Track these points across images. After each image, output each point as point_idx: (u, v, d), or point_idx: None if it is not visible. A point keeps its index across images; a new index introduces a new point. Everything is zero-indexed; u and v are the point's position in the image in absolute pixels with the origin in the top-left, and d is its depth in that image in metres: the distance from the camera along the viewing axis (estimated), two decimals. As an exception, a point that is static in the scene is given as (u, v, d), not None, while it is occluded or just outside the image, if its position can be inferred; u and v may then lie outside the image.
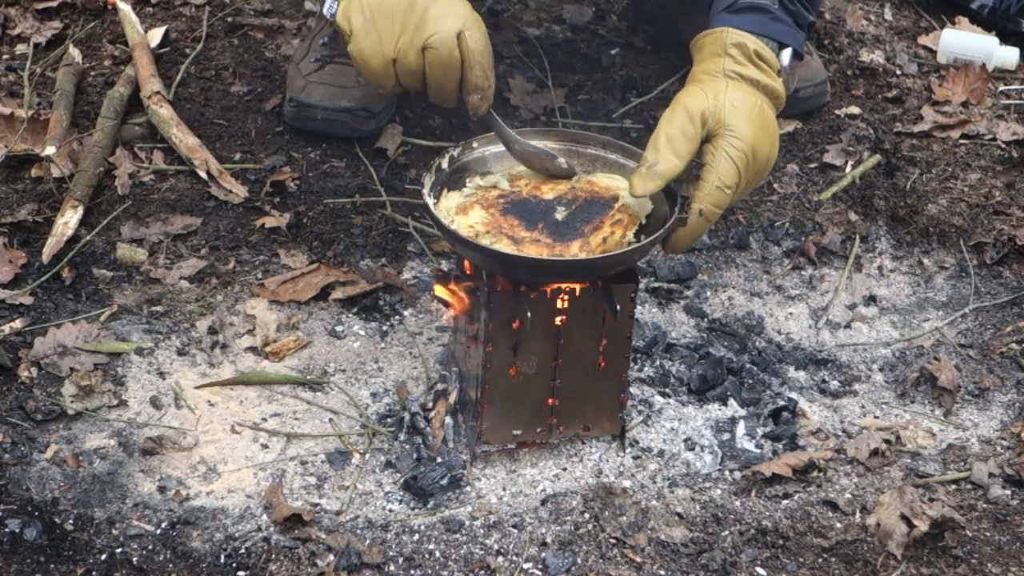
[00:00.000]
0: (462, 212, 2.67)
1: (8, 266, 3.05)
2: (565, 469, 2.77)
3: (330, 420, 2.85)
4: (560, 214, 2.67)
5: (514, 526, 2.64)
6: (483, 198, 2.70)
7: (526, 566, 2.56)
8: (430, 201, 2.66)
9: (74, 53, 3.58)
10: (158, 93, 3.41)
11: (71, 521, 2.59)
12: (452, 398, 2.81)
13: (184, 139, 3.33)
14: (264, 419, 2.85)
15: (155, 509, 2.64)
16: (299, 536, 2.58)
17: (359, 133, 3.40)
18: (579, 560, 2.57)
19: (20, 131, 3.34)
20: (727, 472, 2.78)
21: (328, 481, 2.73)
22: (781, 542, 2.63)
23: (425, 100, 3.45)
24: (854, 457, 2.81)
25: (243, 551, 2.56)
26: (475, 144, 2.78)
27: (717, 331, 3.08)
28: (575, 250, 2.59)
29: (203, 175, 3.27)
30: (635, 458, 2.80)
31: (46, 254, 3.05)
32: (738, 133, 2.57)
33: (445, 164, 2.75)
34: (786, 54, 2.71)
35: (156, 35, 3.65)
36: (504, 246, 2.58)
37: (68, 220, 3.10)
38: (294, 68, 3.42)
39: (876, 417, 2.93)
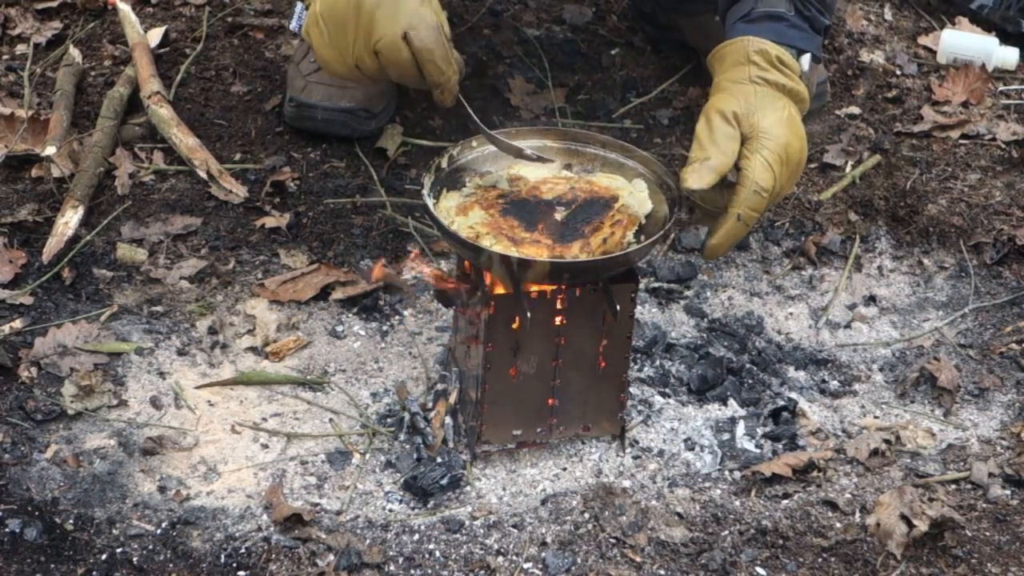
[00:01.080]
0: (462, 212, 2.67)
1: (8, 266, 3.05)
2: (565, 469, 2.77)
3: (330, 420, 2.85)
4: (560, 214, 2.67)
5: (514, 526, 2.64)
6: (483, 198, 2.70)
7: (526, 566, 2.56)
8: (430, 202, 2.66)
9: (74, 53, 3.58)
10: (158, 93, 3.41)
11: (71, 521, 2.60)
12: (452, 398, 2.81)
13: (184, 139, 3.33)
14: (264, 419, 2.85)
15: (155, 509, 2.64)
16: (299, 536, 2.59)
17: (359, 133, 3.40)
18: (579, 560, 2.58)
19: (20, 131, 3.34)
20: (727, 472, 2.79)
21: (328, 481, 2.73)
22: (781, 542, 2.63)
23: (426, 100, 3.46)
24: (854, 457, 2.81)
25: (243, 551, 2.56)
26: (474, 143, 2.79)
27: (717, 331, 3.08)
28: (575, 251, 2.60)
29: (203, 175, 3.27)
30: (635, 458, 2.80)
31: (46, 254, 3.05)
32: (771, 136, 2.59)
33: (444, 164, 2.76)
34: (805, 59, 2.73)
35: (156, 35, 3.65)
36: (504, 247, 2.58)
37: (68, 220, 3.10)
38: (294, 68, 3.42)
39: (876, 417, 2.93)
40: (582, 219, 2.66)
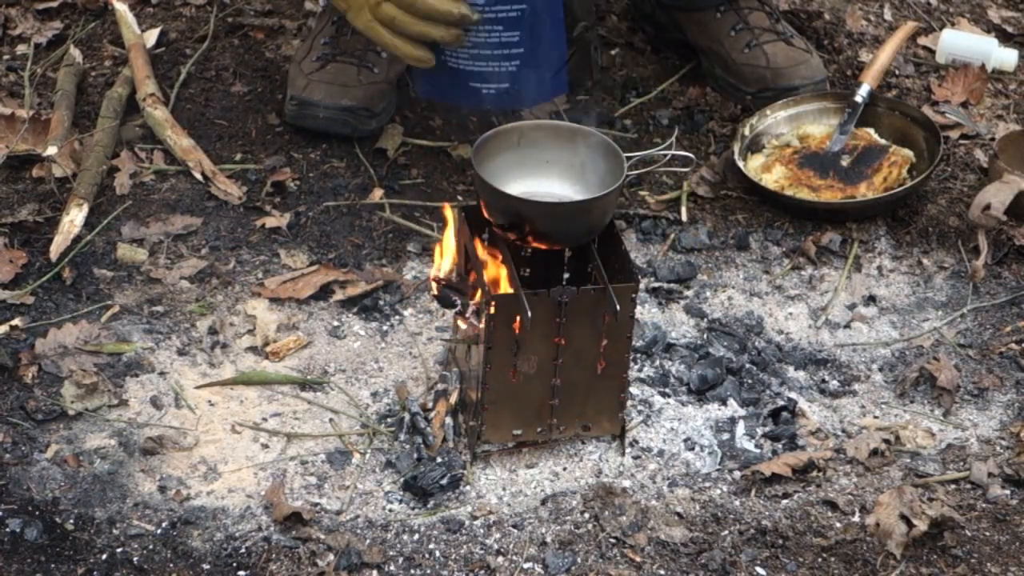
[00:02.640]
0: (766, 171, 3.33)
1: (8, 266, 3.05)
2: (565, 469, 2.77)
3: (330, 420, 2.85)
4: (845, 162, 3.32)
5: (514, 526, 2.64)
6: (781, 156, 3.36)
7: (526, 566, 2.57)
8: (740, 163, 3.31)
9: (75, 53, 3.58)
10: (152, 95, 3.41)
11: (71, 521, 2.60)
12: (452, 398, 2.81)
13: (178, 141, 3.33)
14: (264, 419, 2.85)
15: (155, 509, 2.64)
16: (299, 536, 2.59)
17: (360, 132, 3.40)
18: (579, 560, 2.58)
19: (21, 131, 3.34)
20: (727, 472, 2.79)
21: (328, 481, 2.73)
22: (781, 542, 2.63)
23: (426, 100, 3.46)
24: (854, 457, 2.81)
25: (243, 551, 2.56)
26: (768, 112, 3.43)
27: (717, 331, 3.08)
28: (863, 191, 3.28)
29: (198, 176, 3.27)
30: (635, 458, 2.80)
31: (54, 252, 3.05)
32: None
33: (747, 131, 3.38)
34: None
35: (151, 36, 3.64)
36: (805, 194, 3.27)
37: (74, 218, 3.11)
38: (296, 67, 3.43)
39: (876, 417, 2.93)
40: (865, 163, 3.33)
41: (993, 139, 3.51)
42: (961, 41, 3.79)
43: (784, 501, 2.72)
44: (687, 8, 3.59)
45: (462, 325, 2.76)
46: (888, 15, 3.94)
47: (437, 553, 2.58)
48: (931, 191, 3.39)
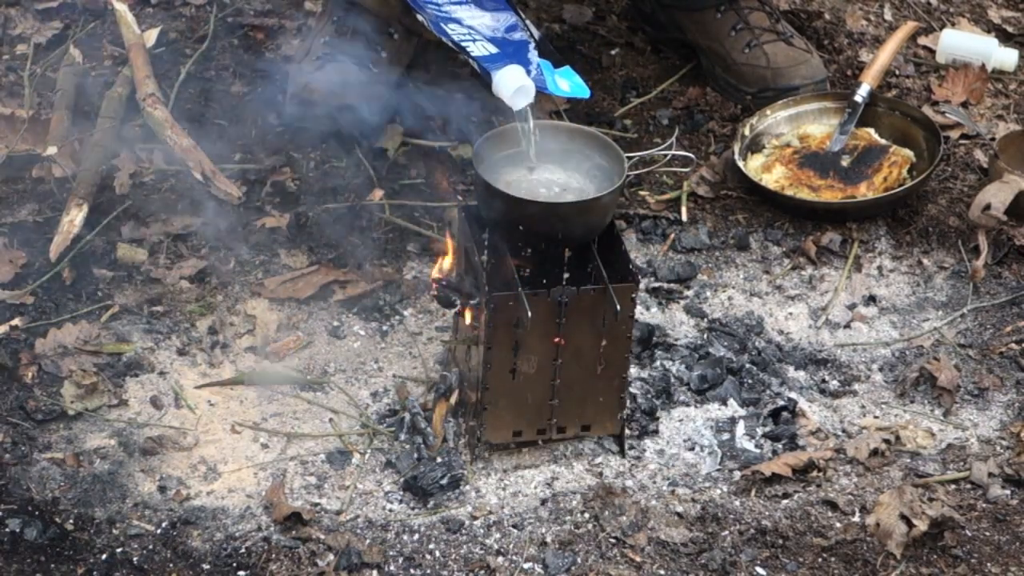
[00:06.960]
0: (766, 170, 3.34)
1: (8, 266, 3.05)
2: (565, 469, 2.77)
3: (330, 420, 2.85)
4: (846, 162, 3.33)
5: (514, 526, 2.64)
6: (781, 156, 3.37)
7: (526, 566, 2.57)
8: (740, 163, 3.31)
9: (75, 53, 3.57)
10: (152, 95, 3.40)
11: (71, 521, 2.60)
12: (452, 398, 2.81)
13: (178, 140, 3.33)
14: (264, 419, 2.85)
15: (155, 509, 2.64)
16: (299, 536, 2.59)
17: (360, 132, 3.39)
18: (579, 560, 2.58)
19: (21, 131, 3.34)
20: (727, 472, 2.79)
21: (328, 481, 2.73)
22: (781, 542, 2.63)
23: (425, 100, 3.46)
24: (854, 457, 2.81)
25: (243, 551, 2.56)
26: (768, 112, 3.44)
27: (717, 331, 3.08)
28: (863, 191, 3.28)
29: (198, 176, 3.27)
30: (635, 458, 2.80)
31: (53, 252, 3.05)
32: None
33: (747, 131, 3.38)
34: None
35: (151, 36, 3.64)
36: (805, 194, 3.28)
37: (74, 219, 3.11)
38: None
39: (876, 417, 2.93)
40: (865, 163, 3.33)
41: (993, 139, 3.51)
42: (961, 41, 3.79)
43: (784, 501, 2.72)
44: (687, 8, 3.59)
45: (465, 320, 2.76)
46: (888, 15, 3.94)
47: (437, 553, 2.58)
48: (931, 191, 3.39)
